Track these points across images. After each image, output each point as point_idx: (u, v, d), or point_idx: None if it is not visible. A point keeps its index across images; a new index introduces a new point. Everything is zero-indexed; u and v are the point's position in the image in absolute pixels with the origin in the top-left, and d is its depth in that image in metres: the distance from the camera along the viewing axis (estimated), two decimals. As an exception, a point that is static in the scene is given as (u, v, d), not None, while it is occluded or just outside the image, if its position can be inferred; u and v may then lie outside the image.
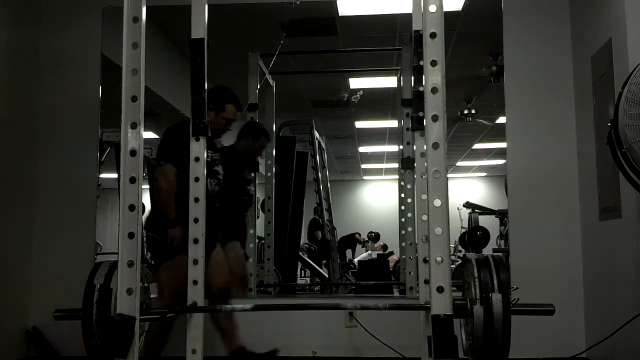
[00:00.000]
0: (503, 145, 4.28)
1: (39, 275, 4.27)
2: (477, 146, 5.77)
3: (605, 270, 3.66)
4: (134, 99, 2.17)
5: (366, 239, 6.06)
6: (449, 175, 2.08)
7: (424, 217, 2.85)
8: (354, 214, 6.45)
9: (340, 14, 4.66)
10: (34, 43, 4.42)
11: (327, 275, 5.39)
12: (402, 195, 4.35)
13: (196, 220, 2.80)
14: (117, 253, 2.14)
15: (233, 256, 3.68)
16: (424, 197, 2.80)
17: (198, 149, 2.83)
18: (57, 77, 4.43)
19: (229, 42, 4.71)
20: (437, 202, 2.06)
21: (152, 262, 3.35)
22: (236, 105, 3.40)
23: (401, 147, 4.33)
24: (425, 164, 2.09)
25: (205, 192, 2.71)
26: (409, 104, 3.69)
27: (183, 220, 2.92)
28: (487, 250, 4.92)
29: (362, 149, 6.19)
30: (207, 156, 2.83)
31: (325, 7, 4.63)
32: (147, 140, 2.26)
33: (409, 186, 4.25)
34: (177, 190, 3.16)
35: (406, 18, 3.17)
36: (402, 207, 4.37)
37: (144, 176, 2.17)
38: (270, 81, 4.89)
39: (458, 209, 5.18)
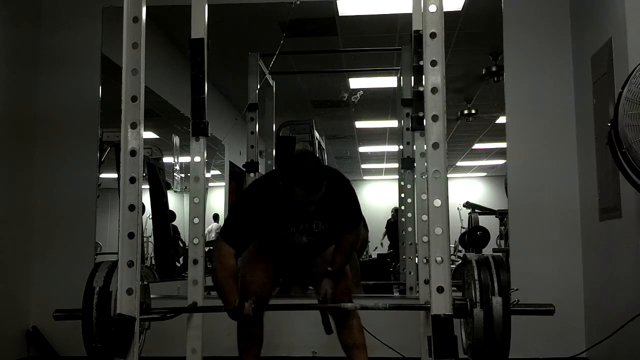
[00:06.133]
0: (503, 145, 4.28)
1: (39, 275, 4.27)
2: (477, 146, 5.76)
3: (605, 270, 3.66)
4: (134, 99, 2.18)
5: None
6: (449, 175, 2.08)
7: (424, 217, 2.86)
8: (354, 214, 6.44)
9: (340, 14, 4.66)
10: (34, 43, 4.41)
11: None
12: (402, 195, 4.35)
13: (196, 220, 2.81)
14: (117, 253, 2.14)
15: None
16: (424, 197, 2.81)
17: (198, 148, 2.84)
18: (57, 77, 4.43)
19: (229, 42, 4.70)
20: (437, 202, 2.06)
21: None
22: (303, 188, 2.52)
23: (401, 147, 4.33)
24: (425, 164, 2.09)
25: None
26: (409, 104, 3.68)
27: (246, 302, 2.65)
28: (487, 250, 4.91)
29: (362, 149, 6.18)
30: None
31: (325, 7, 4.63)
32: (147, 140, 2.26)
33: (409, 186, 4.25)
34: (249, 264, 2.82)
35: (406, 18, 3.18)
36: (402, 207, 4.37)
37: (144, 176, 2.16)
38: (270, 81, 4.88)
39: (458, 209, 5.17)
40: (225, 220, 2.78)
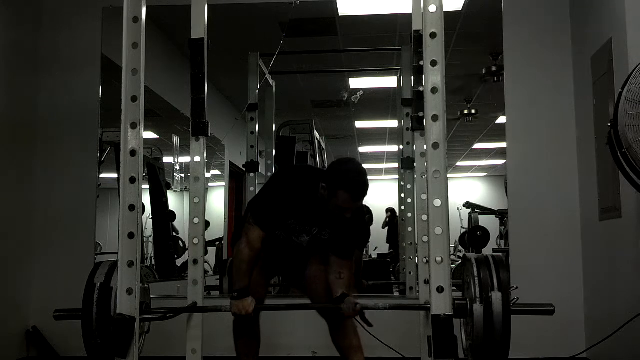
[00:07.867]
0: (503, 145, 4.28)
1: (39, 275, 4.27)
2: (477, 146, 5.76)
3: (605, 270, 3.66)
4: (134, 99, 2.18)
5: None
6: (449, 175, 2.08)
7: (424, 217, 2.86)
8: (354, 214, 6.44)
9: (340, 14, 4.66)
10: (34, 43, 4.41)
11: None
12: (402, 195, 4.35)
13: (196, 220, 2.80)
14: (117, 253, 2.14)
15: None
16: (424, 197, 2.81)
17: (198, 148, 2.84)
18: (57, 77, 4.43)
19: (229, 42, 4.71)
20: (437, 202, 2.06)
21: None
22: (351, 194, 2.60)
23: (401, 147, 4.33)
24: (425, 164, 2.09)
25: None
26: (409, 104, 3.68)
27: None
28: (487, 250, 4.91)
29: (362, 149, 6.18)
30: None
31: (325, 7, 4.63)
32: (147, 140, 2.26)
33: (409, 186, 4.25)
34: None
35: (406, 18, 3.18)
36: (402, 207, 4.37)
37: (144, 176, 2.16)
38: (270, 81, 4.89)
39: (458, 209, 5.18)
40: (257, 205, 2.79)
